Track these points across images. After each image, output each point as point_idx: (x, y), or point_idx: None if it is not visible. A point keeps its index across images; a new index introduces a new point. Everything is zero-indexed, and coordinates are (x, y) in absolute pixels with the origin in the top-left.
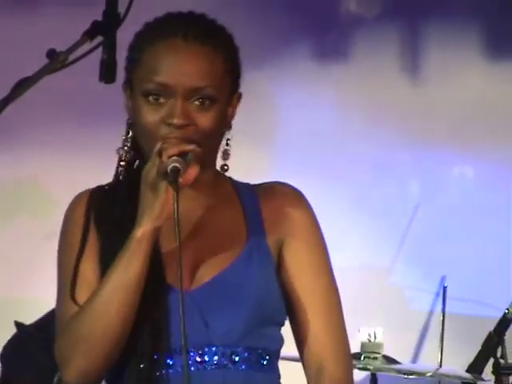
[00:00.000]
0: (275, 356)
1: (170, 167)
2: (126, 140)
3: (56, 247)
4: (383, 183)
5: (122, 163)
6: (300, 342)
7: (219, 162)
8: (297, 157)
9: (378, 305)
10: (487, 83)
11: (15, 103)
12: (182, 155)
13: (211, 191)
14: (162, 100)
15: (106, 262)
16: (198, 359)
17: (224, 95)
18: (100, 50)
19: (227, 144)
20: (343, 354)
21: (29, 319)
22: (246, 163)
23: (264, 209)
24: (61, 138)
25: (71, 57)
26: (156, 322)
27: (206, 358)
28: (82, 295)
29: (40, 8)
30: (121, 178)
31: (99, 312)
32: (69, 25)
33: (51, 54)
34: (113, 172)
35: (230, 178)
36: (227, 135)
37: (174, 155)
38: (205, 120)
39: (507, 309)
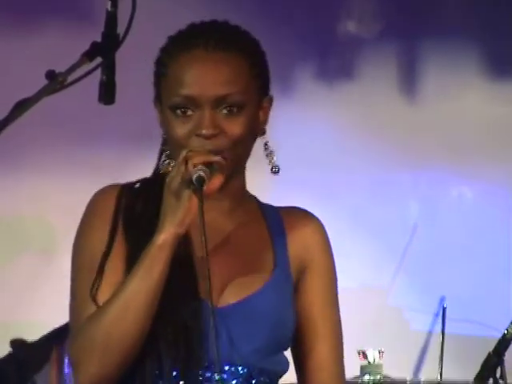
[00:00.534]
0: (279, 379)
1: (195, 176)
2: (164, 155)
3: (55, 272)
4: (382, 203)
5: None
6: (305, 368)
7: (264, 166)
8: (295, 176)
9: (378, 325)
10: (486, 104)
11: (13, 124)
12: (208, 164)
13: (239, 206)
14: (189, 112)
15: (132, 265)
16: (216, 377)
17: (252, 100)
18: (99, 70)
19: (266, 149)
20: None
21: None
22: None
23: (288, 234)
24: (59, 159)
25: (70, 78)
26: (187, 334)
27: (225, 376)
28: (104, 296)
29: (38, 28)
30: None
31: (117, 316)
32: (68, 45)
33: (50, 74)
34: None
35: (254, 196)
36: (263, 139)
37: (199, 164)
38: (234, 127)
39: (506, 329)
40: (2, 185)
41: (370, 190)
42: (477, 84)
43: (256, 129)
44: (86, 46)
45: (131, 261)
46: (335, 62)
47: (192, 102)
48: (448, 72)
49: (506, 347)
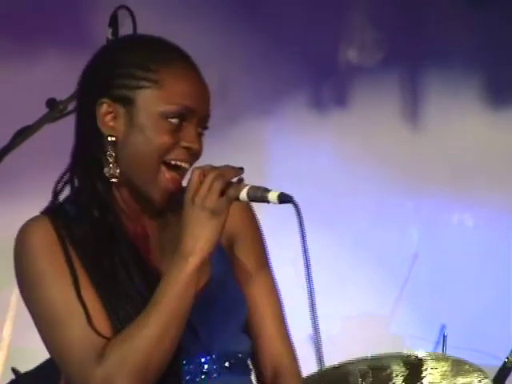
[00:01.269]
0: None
1: (277, 193)
2: (111, 158)
3: None
4: (382, 230)
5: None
6: (254, 343)
7: None
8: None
9: (378, 353)
10: (487, 130)
11: (13, 151)
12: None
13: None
14: (178, 123)
15: (107, 288)
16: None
17: None
18: None
19: None
20: (295, 355)
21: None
22: None
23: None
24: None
25: (71, 106)
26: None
27: (206, 367)
28: (100, 324)
29: (39, 56)
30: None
31: (157, 338)
32: (68, 73)
33: (51, 103)
34: None
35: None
36: None
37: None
38: (201, 145)
39: (507, 357)
40: (3, 212)
41: (371, 216)
42: (478, 111)
43: None
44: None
45: (104, 285)
46: (335, 89)
47: (187, 114)
48: (450, 99)
49: (506, 376)
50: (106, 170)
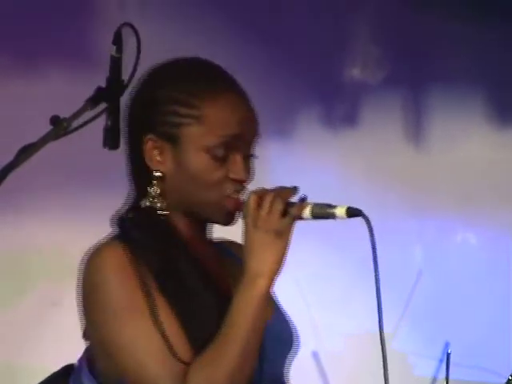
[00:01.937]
0: None
1: (344, 208)
2: (157, 194)
3: (62, 314)
4: (386, 249)
5: (158, 212)
6: None
7: None
8: (298, 222)
9: (380, 372)
10: (491, 151)
11: (18, 169)
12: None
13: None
14: (224, 156)
15: (186, 311)
16: None
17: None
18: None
19: None
20: None
21: None
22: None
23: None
24: (65, 205)
25: (75, 123)
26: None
27: None
28: (180, 349)
29: (43, 73)
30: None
31: (241, 358)
32: (72, 90)
33: (55, 120)
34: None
35: None
36: None
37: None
38: (250, 172)
39: (511, 375)
40: (7, 227)
41: (375, 234)
42: (482, 130)
43: None
44: (90, 92)
45: (180, 307)
46: (340, 109)
47: (233, 144)
48: (453, 118)
49: None
50: (148, 203)
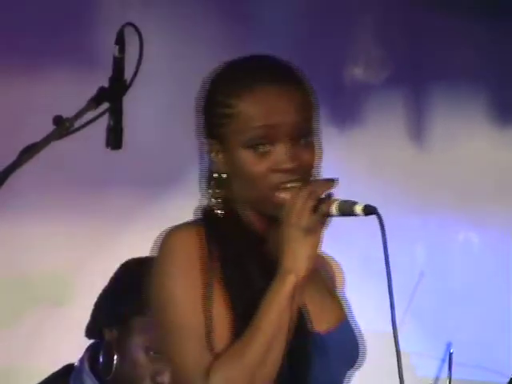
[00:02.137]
0: None
1: (361, 206)
2: (215, 193)
3: (59, 317)
4: (389, 248)
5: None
6: None
7: None
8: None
9: (384, 371)
10: (493, 150)
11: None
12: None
13: None
14: (266, 148)
15: (239, 305)
16: None
17: (315, 126)
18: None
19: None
20: None
21: None
22: None
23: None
24: (66, 206)
25: (77, 123)
26: (296, 367)
27: None
28: (220, 341)
29: (45, 74)
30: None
31: (261, 355)
32: (75, 90)
33: (58, 120)
34: (119, 238)
35: None
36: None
37: (324, 194)
38: (310, 157)
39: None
40: (9, 226)
41: (376, 235)
42: (484, 129)
43: (320, 154)
44: (93, 92)
45: (237, 301)
46: (343, 107)
47: (268, 135)
48: (455, 117)
49: None
50: (208, 203)
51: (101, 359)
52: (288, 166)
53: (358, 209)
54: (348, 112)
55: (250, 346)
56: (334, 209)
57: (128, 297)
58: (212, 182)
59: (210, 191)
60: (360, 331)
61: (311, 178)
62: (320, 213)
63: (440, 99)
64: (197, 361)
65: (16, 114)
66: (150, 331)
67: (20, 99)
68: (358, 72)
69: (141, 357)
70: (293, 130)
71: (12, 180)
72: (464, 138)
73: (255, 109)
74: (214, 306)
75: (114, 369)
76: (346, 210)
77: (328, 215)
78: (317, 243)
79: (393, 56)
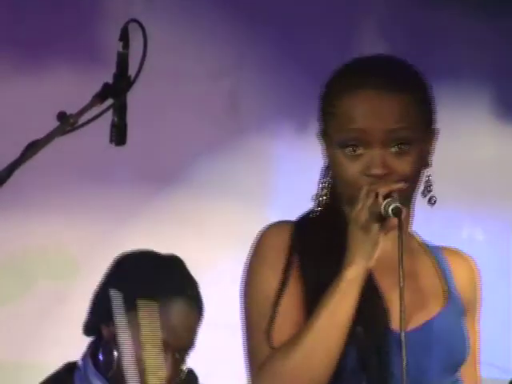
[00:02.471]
0: None
1: (391, 207)
2: (324, 187)
3: (64, 311)
4: None
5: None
6: None
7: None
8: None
9: None
10: (497, 145)
11: (25, 165)
12: (391, 197)
13: (409, 237)
14: (359, 151)
15: (310, 302)
16: None
17: (420, 136)
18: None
19: (428, 181)
20: None
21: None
22: (249, 224)
23: (454, 270)
24: (70, 200)
25: (81, 119)
26: (375, 366)
27: None
28: (282, 335)
29: (49, 70)
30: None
31: (306, 353)
32: (79, 86)
33: (62, 116)
34: (123, 233)
35: (414, 232)
36: (426, 172)
37: (385, 195)
38: (404, 165)
39: None
40: (9, 224)
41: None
42: (489, 125)
43: (425, 163)
44: (97, 88)
45: (310, 298)
46: None
47: (362, 138)
48: (460, 112)
49: None
50: (319, 198)
51: (100, 357)
52: (377, 171)
53: (389, 210)
54: None
55: (298, 341)
56: (381, 208)
57: (125, 291)
58: (323, 177)
59: (321, 185)
60: (457, 332)
61: (410, 188)
62: (373, 212)
63: (445, 96)
64: (256, 352)
65: (19, 110)
66: None
67: (24, 95)
68: None
69: (140, 352)
70: (386, 136)
71: (16, 176)
72: (469, 132)
73: (353, 111)
74: (287, 299)
75: (114, 366)
76: (384, 211)
77: (381, 216)
78: (371, 243)
79: (397, 53)
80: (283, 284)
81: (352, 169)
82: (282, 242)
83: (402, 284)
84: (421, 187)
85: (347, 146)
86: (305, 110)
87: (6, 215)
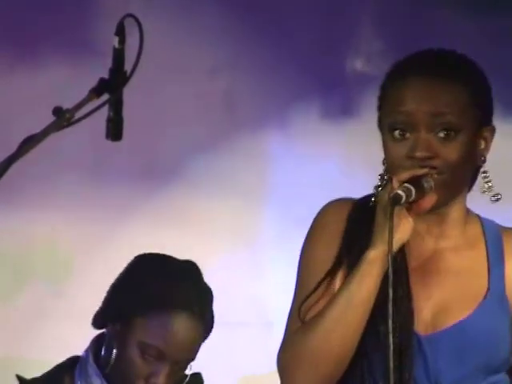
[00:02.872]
0: None
1: (392, 194)
2: (381, 177)
3: (62, 308)
4: None
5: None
6: None
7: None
8: (299, 215)
9: None
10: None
11: (20, 160)
12: (419, 183)
13: (459, 231)
14: (407, 135)
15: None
16: None
17: (470, 127)
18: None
19: (484, 177)
20: None
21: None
22: (247, 221)
23: (507, 256)
24: (67, 196)
25: (77, 114)
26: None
27: None
28: (314, 312)
29: (45, 64)
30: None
31: (325, 331)
32: (75, 81)
33: (58, 111)
34: (119, 231)
35: (478, 216)
36: (483, 168)
37: (404, 181)
38: (449, 151)
39: None
40: (7, 221)
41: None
42: None
43: (473, 156)
44: (93, 83)
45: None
46: (341, 101)
47: (409, 121)
48: None
49: None
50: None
51: (102, 352)
52: (419, 154)
53: (390, 196)
54: (346, 106)
55: (319, 319)
56: (390, 196)
57: (134, 295)
58: (385, 168)
59: (379, 176)
60: (499, 327)
61: (454, 175)
62: (389, 197)
63: None
64: (290, 323)
65: (15, 105)
66: (149, 333)
67: (20, 90)
68: (356, 65)
69: (137, 357)
70: (432, 120)
71: (12, 171)
72: None
73: (401, 94)
74: (331, 277)
75: (111, 363)
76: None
77: (394, 203)
78: (386, 227)
79: (392, 49)
80: (336, 264)
81: (398, 152)
82: (338, 220)
83: (390, 278)
84: (480, 183)
85: (395, 129)
86: (300, 108)
87: (0, 212)
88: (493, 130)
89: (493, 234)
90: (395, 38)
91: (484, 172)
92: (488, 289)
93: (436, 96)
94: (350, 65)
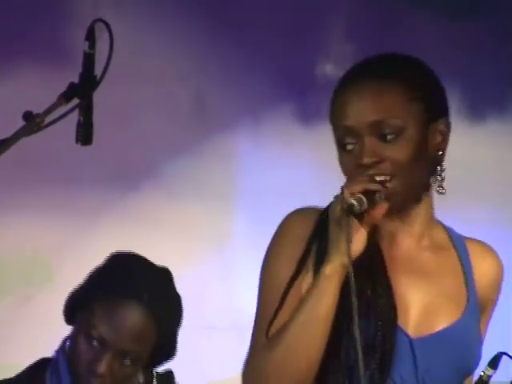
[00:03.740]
0: None
1: (345, 205)
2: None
3: (32, 311)
4: None
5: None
6: None
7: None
8: (275, 218)
9: None
10: (466, 144)
11: None
12: (369, 193)
13: (428, 232)
14: (352, 147)
15: None
16: None
17: (413, 122)
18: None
19: (441, 176)
20: None
21: None
22: (220, 226)
23: (474, 267)
24: (38, 201)
25: (47, 119)
26: (380, 359)
27: None
28: (278, 325)
29: (14, 70)
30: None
31: (287, 348)
32: (44, 86)
33: (28, 116)
34: (95, 234)
35: (441, 222)
36: (442, 167)
37: (356, 192)
38: (395, 152)
39: (483, 371)
40: None
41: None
42: (457, 127)
43: (425, 152)
44: (63, 87)
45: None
46: (313, 103)
47: (351, 133)
48: None
49: None
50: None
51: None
52: (366, 160)
53: (345, 207)
54: (318, 108)
55: (279, 336)
56: (344, 207)
57: (91, 286)
58: None
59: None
60: (475, 336)
61: (407, 176)
62: (342, 208)
63: None
64: (253, 341)
65: None
66: (95, 320)
67: None
68: (328, 68)
69: (82, 344)
70: (371, 129)
71: None
72: None
73: (342, 109)
74: (294, 293)
75: (68, 355)
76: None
77: (349, 213)
78: (343, 239)
79: (364, 52)
80: (295, 274)
81: (348, 164)
82: (303, 229)
83: (351, 274)
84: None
85: (343, 144)
86: (272, 111)
87: None
88: (446, 123)
89: (458, 241)
90: (366, 41)
91: (440, 170)
92: (468, 297)
93: (372, 104)
94: (321, 68)
